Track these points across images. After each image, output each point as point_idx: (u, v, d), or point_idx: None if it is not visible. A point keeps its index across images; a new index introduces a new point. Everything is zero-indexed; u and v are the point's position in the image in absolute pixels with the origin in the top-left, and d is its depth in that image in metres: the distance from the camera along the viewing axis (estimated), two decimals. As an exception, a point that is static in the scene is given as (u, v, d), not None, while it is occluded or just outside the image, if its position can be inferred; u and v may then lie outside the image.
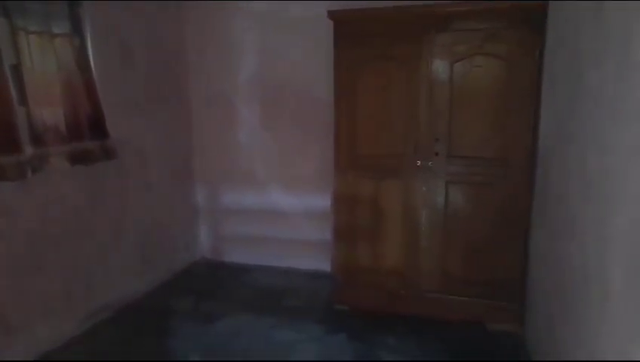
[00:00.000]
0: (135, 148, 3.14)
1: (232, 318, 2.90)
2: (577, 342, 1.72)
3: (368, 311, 2.94)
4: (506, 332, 2.67)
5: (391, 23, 2.68)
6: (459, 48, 2.57)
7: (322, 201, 3.44)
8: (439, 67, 2.61)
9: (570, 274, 1.85)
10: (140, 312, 3.02)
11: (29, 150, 2.29)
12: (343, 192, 2.90)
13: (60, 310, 2.59)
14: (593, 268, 1.58)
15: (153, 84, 3.34)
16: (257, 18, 3.50)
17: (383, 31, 2.69)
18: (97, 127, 2.70)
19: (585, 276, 1.66)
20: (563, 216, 2.00)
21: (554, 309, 2.06)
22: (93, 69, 2.69)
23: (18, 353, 2.33)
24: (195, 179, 3.91)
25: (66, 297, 2.62)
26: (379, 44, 2.70)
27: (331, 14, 2.71)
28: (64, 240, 2.60)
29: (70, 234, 2.64)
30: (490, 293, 2.73)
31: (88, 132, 2.65)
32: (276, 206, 3.72)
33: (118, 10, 2.94)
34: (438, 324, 2.76)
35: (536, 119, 2.50)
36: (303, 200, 3.64)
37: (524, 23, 2.46)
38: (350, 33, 2.72)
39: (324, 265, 3.49)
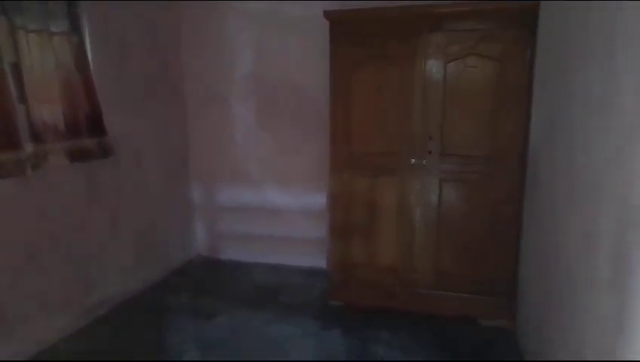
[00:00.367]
0: (132, 146, 3.16)
1: (228, 315, 2.93)
2: (563, 341, 1.76)
3: (363, 307, 2.98)
4: (499, 327, 2.72)
5: (386, 23, 2.72)
6: (452, 48, 2.61)
7: (318, 199, 3.48)
8: (433, 67, 2.66)
9: (556, 271, 1.89)
10: (137, 309, 3.05)
11: (28, 147, 2.31)
12: (338, 190, 2.94)
13: (57, 306, 2.60)
14: (579, 266, 1.62)
15: (150, 82, 3.36)
16: (253, 18, 3.53)
17: (378, 31, 2.73)
18: (95, 124, 2.73)
19: (571, 273, 1.70)
20: (550, 214, 2.05)
21: (543, 305, 2.10)
22: (91, 67, 2.71)
23: (15, 349, 2.34)
24: (191, 176, 3.93)
25: (63, 294, 2.64)
26: (374, 44, 2.74)
27: (327, 14, 2.74)
28: (62, 237, 2.62)
29: (68, 231, 2.66)
30: (484, 290, 2.78)
31: (86, 129, 2.67)
32: (272, 203, 3.76)
33: (116, 9, 2.96)
34: (431, 320, 2.80)
35: (528, 119, 2.54)
36: (298, 197, 3.68)
37: (516, 23, 2.50)
38: (346, 33, 2.76)
39: (319, 262, 3.53)
